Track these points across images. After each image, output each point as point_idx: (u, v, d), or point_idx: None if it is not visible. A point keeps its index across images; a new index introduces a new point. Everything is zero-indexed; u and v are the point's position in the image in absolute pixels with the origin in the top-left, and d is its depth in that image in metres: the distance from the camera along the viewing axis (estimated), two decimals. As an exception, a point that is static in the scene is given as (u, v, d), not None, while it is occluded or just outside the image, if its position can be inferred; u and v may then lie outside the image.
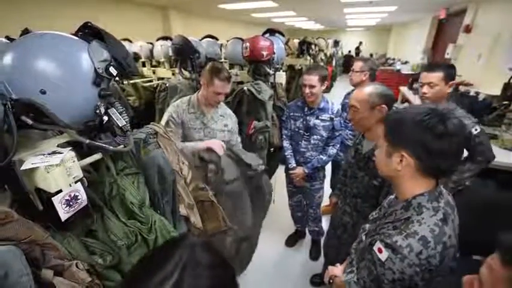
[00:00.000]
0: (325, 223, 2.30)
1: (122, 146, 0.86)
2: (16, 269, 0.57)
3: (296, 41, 4.13)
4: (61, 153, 0.68)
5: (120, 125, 0.85)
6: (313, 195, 2.06)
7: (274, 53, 2.22)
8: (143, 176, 0.99)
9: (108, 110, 0.82)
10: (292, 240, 2.42)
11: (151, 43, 3.40)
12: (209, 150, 1.44)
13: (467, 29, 4.68)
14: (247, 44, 2.14)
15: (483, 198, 1.52)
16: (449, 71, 1.53)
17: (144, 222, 0.92)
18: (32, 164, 0.62)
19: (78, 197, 0.71)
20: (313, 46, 3.90)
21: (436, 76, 1.52)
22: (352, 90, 2.30)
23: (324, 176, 2.07)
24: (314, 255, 2.25)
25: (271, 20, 9.20)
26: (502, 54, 3.64)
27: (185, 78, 2.41)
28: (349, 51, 13.02)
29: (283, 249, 2.36)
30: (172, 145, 1.18)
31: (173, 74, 2.89)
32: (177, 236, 1.00)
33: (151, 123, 1.17)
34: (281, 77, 2.51)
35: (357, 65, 2.13)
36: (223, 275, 0.40)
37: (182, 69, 2.48)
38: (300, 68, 3.70)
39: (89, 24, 0.79)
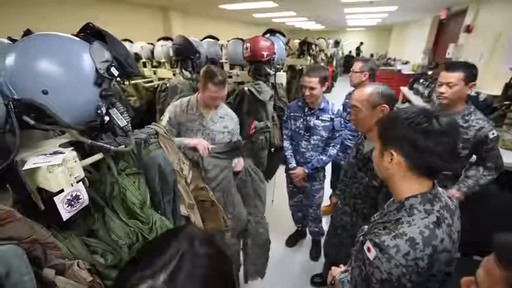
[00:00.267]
0: (325, 223, 2.30)
1: (123, 146, 0.87)
2: (18, 268, 0.57)
3: (296, 41, 4.14)
4: (63, 153, 0.68)
5: (121, 125, 0.86)
6: (313, 195, 2.07)
7: (274, 53, 2.22)
8: (144, 176, 0.99)
9: (110, 110, 0.82)
10: (293, 240, 2.42)
11: (152, 44, 3.41)
12: (194, 149, 1.47)
13: (468, 29, 4.68)
14: (248, 45, 2.14)
15: (483, 199, 1.52)
16: (471, 72, 1.45)
17: (145, 222, 0.92)
18: (34, 163, 0.63)
19: (80, 197, 0.72)
20: (313, 46, 3.91)
21: (456, 76, 1.44)
22: (353, 91, 2.31)
23: (324, 177, 2.07)
24: (314, 255, 2.25)
25: (271, 20, 9.21)
26: (502, 54, 3.64)
27: (186, 79, 2.42)
28: (350, 52, 13.02)
29: (284, 249, 2.37)
30: (173, 145, 1.18)
31: (174, 75, 2.90)
32: (177, 226, 1.01)
33: (152, 123, 1.17)
34: (281, 77, 2.51)
35: (357, 65, 2.11)
36: (221, 266, 0.40)
37: (183, 70, 2.49)
38: (300, 68, 3.70)
39: (90, 25, 0.80)
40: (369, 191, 1.27)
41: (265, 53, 2.11)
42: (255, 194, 1.73)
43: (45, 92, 0.67)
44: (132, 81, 2.60)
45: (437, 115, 0.70)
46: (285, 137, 2.04)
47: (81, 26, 0.80)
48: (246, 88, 2.11)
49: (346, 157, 2.24)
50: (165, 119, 1.61)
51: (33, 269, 0.61)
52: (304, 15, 8.45)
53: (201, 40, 2.93)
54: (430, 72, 5.36)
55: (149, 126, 1.14)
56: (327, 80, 1.77)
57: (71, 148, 0.72)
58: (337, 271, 1.04)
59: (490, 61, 3.90)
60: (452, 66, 1.49)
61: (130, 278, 0.36)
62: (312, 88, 1.71)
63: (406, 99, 4.84)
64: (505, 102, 2.53)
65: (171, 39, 3.16)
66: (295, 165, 1.98)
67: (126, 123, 0.87)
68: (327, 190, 2.30)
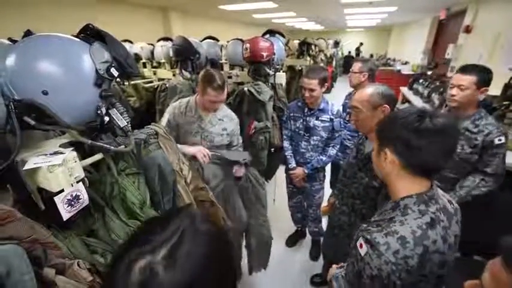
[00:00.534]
0: (325, 223, 2.30)
1: (123, 146, 0.87)
2: (18, 267, 0.58)
3: (296, 41, 4.15)
4: (63, 153, 0.69)
5: (121, 126, 0.86)
6: (313, 195, 2.07)
7: (274, 54, 2.23)
8: (144, 176, 0.99)
9: (109, 111, 0.83)
10: (293, 241, 2.42)
11: (152, 44, 3.42)
12: (194, 157, 1.45)
13: (468, 30, 4.69)
14: (247, 45, 2.15)
15: (483, 199, 1.52)
16: (484, 76, 1.40)
17: (145, 222, 0.92)
18: (35, 164, 0.63)
19: (80, 197, 0.72)
20: (313, 47, 3.91)
21: (468, 79, 1.40)
22: (353, 91, 2.31)
23: (324, 177, 2.08)
24: (314, 255, 2.25)
25: (271, 21, 9.22)
26: (502, 54, 3.65)
27: (185, 79, 2.42)
28: (349, 52, 13.03)
29: (284, 249, 2.37)
30: (172, 145, 1.18)
31: (174, 75, 2.90)
32: (178, 207, 1.01)
33: (152, 123, 1.18)
34: (281, 78, 2.52)
35: (356, 66, 2.11)
36: (222, 246, 0.40)
37: (182, 70, 2.49)
38: (300, 68, 3.71)
39: (90, 25, 0.80)
40: (368, 191, 1.27)
41: (264, 54, 2.12)
42: (256, 199, 1.73)
43: (45, 93, 0.67)
44: (132, 82, 2.61)
45: (432, 114, 0.70)
46: (284, 137, 2.04)
47: (81, 26, 0.81)
48: (245, 88, 2.11)
49: (345, 157, 2.25)
50: (164, 119, 1.61)
51: (34, 269, 0.61)
52: (304, 16, 8.46)
53: (201, 41, 2.94)
54: (429, 73, 5.37)
55: (149, 126, 1.14)
56: (327, 81, 1.77)
57: (71, 148, 0.72)
58: (334, 268, 1.05)
59: (489, 61, 3.91)
60: (466, 68, 1.44)
61: (130, 253, 0.35)
62: (311, 90, 1.71)
63: (405, 100, 4.85)
64: (504, 103, 2.53)
65: (171, 39, 3.16)
66: (295, 165, 1.99)
67: (126, 124, 0.87)
68: (327, 190, 2.30)
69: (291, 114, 1.94)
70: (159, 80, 3.00)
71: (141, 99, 2.68)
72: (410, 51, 8.67)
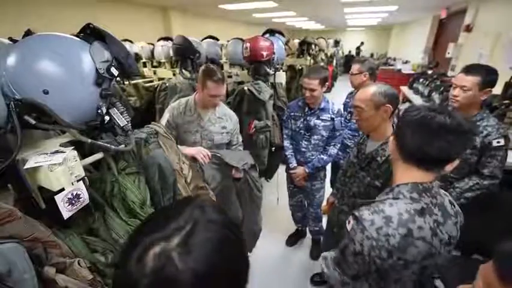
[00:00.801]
0: (325, 223, 2.31)
1: (123, 145, 0.87)
2: (19, 266, 0.58)
3: (296, 41, 4.15)
4: (63, 152, 0.69)
5: (121, 125, 0.86)
6: (313, 194, 2.07)
7: (274, 53, 2.23)
8: (144, 175, 1.00)
9: (110, 110, 0.83)
10: (293, 240, 2.42)
11: (152, 44, 3.42)
12: (193, 158, 1.44)
13: (468, 29, 4.68)
14: (248, 45, 2.15)
15: (483, 198, 1.51)
16: (488, 77, 1.37)
17: (145, 221, 0.93)
18: (35, 163, 0.63)
19: (80, 196, 0.72)
20: (313, 46, 3.91)
21: (471, 80, 1.37)
22: (353, 90, 2.31)
23: (325, 176, 2.08)
24: (315, 255, 2.25)
25: (271, 20, 9.21)
26: (502, 53, 3.64)
27: (185, 78, 2.43)
28: (350, 51, 13.01)
29: (284, 248, 2.37)
30: (173, 145, 1.19)
31: (174, 74, 2.91)
32: (188, 197, 1.01)
33: (152, 122, 1.18)
34: (281, 77, 2.52)
35: (354, 67, 2.09)
36: (232, 233, 0.41)
37: (183, 69, 2.49)
38: (300, 68, 3.71)
39: (90, 25, 0.80)
40: (370, 190, 1.27)
41: (264, 53, 2.12)
42: (253, 201, 1.73)
43: (45, 92, 0.67)
44: (132, 81, 2.61)
45: (438, 112, 0.71)
46: (285, 136, 2.04)
47: (81, 26, 0.81)
48: (245, 88, 2.11)
49: (345, 156, 2.25)
50: (164, 119, 1.62)
51: (34, 267, 0.61)
52: (304, 15, 8.45)
53: (201, 40, 2.94)
54: (430, 72, 5.36)
55: (149, 125, 1.15)
56: (327, 81, 1.77)
57: (72, 147, 0.73)
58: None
59: (490, 60, 3.90)
60: (471, 69, 1.41)
61: (143, 240, 0.35)
62: (312, 90, 1.71)
63: (406, 99, 4.84)
64: (505, 102, 2.53)
65: (171, 39, 3.16)
66: (295, 164, 1.99)
67: (126, 123, 0.88)
68: (328, 189, 2.30)
69: (292, 114, 1.94)
70: (159, 79, 3.01)
71: (141, 99, 2.68)
72: (411, 51, 8.65)
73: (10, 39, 1.03)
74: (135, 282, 0.33)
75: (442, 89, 3.68)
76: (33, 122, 0.68)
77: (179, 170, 1.16)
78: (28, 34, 0.77)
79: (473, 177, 1.49)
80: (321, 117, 1.82)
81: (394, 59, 9.81)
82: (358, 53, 12.98)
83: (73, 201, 0.71)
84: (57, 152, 0.69)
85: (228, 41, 2.81)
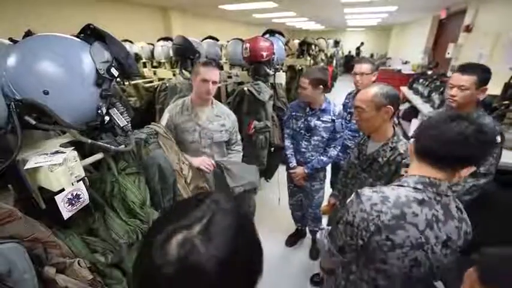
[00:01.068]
0: (325, 223, 2.30)
1: (123, 145, 0.87)
2: (20, 265, 0.58)
3: (296, 41, 4.15)
4: (63, 152, 0.69)
5: (121, 125, 0.86)
6: (313, 195, 2.07)
7: (274, 54, 2.23)
8: (144, 176, 1.00)
9: (110, 110, 0.83)
10: (293, 240, 2.42)
11: (152, 44, 3.42)
12: (198, 169, 1.44)
13: (468, 29, 4.68)
14: (247, 45, 2.15)
15: (482, 198, 1.52)
16: (484, 76, 1.40)
17: (145, 221, 0.93)
18: (36, 163, 0.64)
19: (80, 196, 0.72)
20: (313, 46, 3.91)
21: (469, 79, 1.39)
22: (353, 90, 2.30)
23: (325, 177, 2.07)
24: (314, 254, 2.26)
25: (271, 21, 9.22)
26: (502, 54, 3.65)
27: (185, 79, 2.43)
28: (350, 52, 13.01)
29: (284, 248, 2.37)
30: (172, 145, 1.19)
31: (174, 75, 2.91)
32: (200, 193, 1.03)
33: (152, 123, 1.18)
34: (281, 78, 2.52)
35: (366, 67, 2.01)
36: (246, 221, 0.43)
37: (183, 70, 2.49)
38: (300, 68, 3.71)
39: (91, 26, 0.80)
40: None
41: (264, 53, 2.12)
42: None
43: (46, 93, 0.68)
44: (132, 82, 2.61)
45: (458, 117, 0.73)
46: (286, 136, 2.04)
47: (81, 26, 0.81)
48: (245, 88, 2.12)
49: (346, 157, 2.25)
50: (164, 119, 1.62)
51: (35, 267, 0.61)
52: (304, 16, 8.46)
53: (201, 41, 2.94)
54: (429, 72, 5.36)
55: (149, 126, 1.15)
56: (322, 83, 1.73)
57: (72, 148, 0.73)
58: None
59: (490, 61, 3.90)
60: (466, 68, 1.43)
61: (165, 228, 0.36)
62: (302, 88, 1.74)
63: (406, 99, 4.85)
64: (504, 102, 2.53)
65: (171, 39, 3.17)
66: (295, 164, 1.99)
67: (126, 123, 0.88)
68: (327, 190, 2.30)
69: (293, 113, 1.94)
70: (159, 79, 3.01)
71: (141, 99, 2.68)
72: (411, 51, 8.65)
73: (10, 39, 1.03)
74: (159, 270, 0.34)
75: (442, 89, 3.68)
76: (33, 122, 0.68)
77: (179, 170, 1.17)
78: (28, 35, 0.77)
79: (468, 180, 1.48)
80: (321, 118, 1.82)
81: (389, 58, 9.76)
82: (358, 54, 12.97)
83: (73, 202, 0.71)
84: (57, 152, 0.69)
85: (228, 42, 2.81)
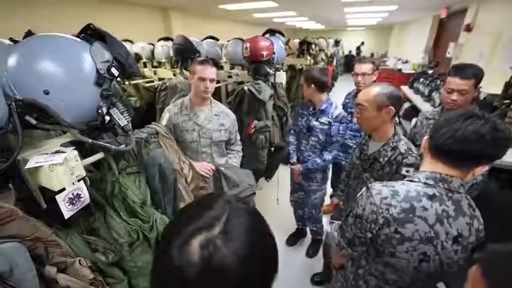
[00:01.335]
0: (325, 223, 2.30)
1: (124, 145, 0.88)
2: (21, 265, 0.58)
3: (296, 41, 4.14)
4: (64, 152, 0.69)
5: (122, 125, 0.87)
6: (309, 195, 2.07)
7: (274, 53, 2.23)
8: (145, 175, 1.00)
9: (110, 110, 0.83)
10: (293, 240, 2.42)
11: (152, 44, 3.42)
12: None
13: (468, 28, 4.67)
14: (248, 45, 2.15)
15: (482, 197, 1.51)
16: (480, 76, 1.43)
17: (146, 221, 0.93)
18: (36, 162, 0.64)
19: (81, 196, 0.73)
20: (313, 46, 3.91)
21: (468, 83, 1.42)
22: (353, 90, 2.30)
23: (324, 179, 2.03)
24: (311, 253, 2.26)
25: (272, 20, 9.21)
26: (502, 53, 3.64)
27: (186, 78, 2.43)
28: (350, 51, 13.00)
29: (284, 248, 2.37)
30: (173, 144, 1.19)
31: (174, 75, 2.91)
32: (211, 193, 1.03)
33: (153, 123, 1.18)
34: (281, 77, 2.51)
35: (367, 67, 2.01)
36: (260, 218, 0.43)
37: (183, 69, 2.49)
38: (300, 67, 3.71)
39: (91, 25, 0.81)
40: None
41: (264, 53, 2.12)
42: None
43: (46, 92, 0.68)
44: (133, 82, 2.61)
45: (475, 115, 0.73)
46: (292, 132, 2.05)
47: (82, 26, 0.81)
48: (245, 88, 2.11)
49: (347, 157, 2.25)
50: (164, 119, 1.62)
51: (36, 267, 0.62)
52: (305, 15, 8.45)
53: (202, 40, 2.94)
54: (430, 71, 5.36)
55: (149, 125, 1.15)
56: (314, 82, 1.73)
57: (72, 147, 0.73)
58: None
59: (490, 60, 3.90)
60: (463, 72, 1.43)
61: (184, 230, 0.36)
62: (301, 86, 1.78)
63: (406, 98, 4.84)
64: (505, 101, 2.52)
65: (171, 39, 3.16)
66: (295, 161, 2.00)
67: (127, 123, 0.88)
68: (328, 190, 2.29)
69: (300, 111, 1.96)
70: (160, 79, 3.00)
71: (141, 99, 2.68)
72: (411, 50, 8.64)
73: (11, 39, 1.03)
74: (181, 272, 0.34)
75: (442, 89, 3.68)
76: (34, 122, 0.68)
77: (179, 169, 1.17)
78: (29, 35, 0.77)
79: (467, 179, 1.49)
80: (319, 119, 1.81)
81: (384, 56, 9.72)
82: (358, 53, 12.96)
83: (74, 201, 0.71)
84: (58, 152, 0.69)
85: (228, 41, 2.81)
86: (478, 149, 0.70)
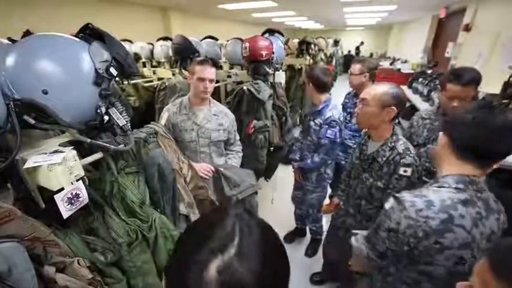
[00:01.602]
0: (325, 223, 2.30)
1: (122, 145, 0.87)
2: (19, 264, 0.58)
3: (296, 40, 4.15)
4: (63, 152, 0.69)
5: (121, 125, 0.86)
6: (305, 194, 2.08)
7: (273, 53, 2.23)
8: (143, 175, 1.00)
9: (109, 110, 0.83)
10: (291, 237, 2.43)
11: (151, 44, 3.42)
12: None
13: (467, 28, 4.68)
14: (247, 44, 2.15)
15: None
16: (479, 79, 1.43)
17: (145, 221, 0.93)
18: (35, 162, 0.64)
19: (80, 195, 0.72)
20: (312, 46, 3.91)
21: (471, 89, 1.42)
22: (353, 90, 2.31)
23: (320, 180, 1.99)
24: (310, 253, 2.26)
25: (271, 20, 9.21)
26: (501, 52, 3.65)
27: (185, 78, 2.42)
28: (349, 51, 13.00)
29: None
30: (172, 144, 1.19)
31: (173, 74, 2.90)
32: (222, 207, 1.03)
33: (152, 122, 1.18)
34: (280, 77, 2.51)
35: (355, 68, 2.08)
36: (271, 232, 0.43)
37: (182, 69, 2.49)
38: (299, 67, 3.71)
39: (90, 25, 0.80)
40: (373, 191, 1.27)
41: (264, 53, 2.12)
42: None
43: (45, 92, 0.68)
44: (132, 81, 2.61)
45: (491, 106, 0.74)
46: (300, 129, 2.08)
47: (80, 25, 0.81)
48: (244, 87, 2.11)
49: (346, 157, 2.25)
50: (163, 119, 1.62)
51: (34, 266, 0.62)
52: (304, 15, 8.45)
53: (201, 40, 2.94)
54: (429, 71, 5.37)
55: (148, 125, 1.15)
56: (312, 80, 1.74)
57: (71, 147, 0.73)
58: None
59: (489, 59, 3.91)
60: (464, 79, 1.41)
61: (198, 253, 0.35)
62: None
63: (405, 98, 4.86)
64: (504, 101, 2.53)
65: (170, 39, 3.16)
66: (296, 158, 2.01)
67: (126, 123, 0.88)
68: (327, 191, 2.29)
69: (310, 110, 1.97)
70: (159, 79, 3.00)
71: (140, 99, 2.68)
72: (410, 50, 8.65)
73: (9, 39, 1.03)
74: None
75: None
76: (32, 121, 0.68)
77: (178, 169, 1.17)
78: (27, 34, 0.77)
79: None
80: (315, 120, 1.80)
81: (384, 56, 9.74)
82: (357, 53, 12.96)
83: (72, 201, 0.71)
84: (56, 151, 0.69)
85: (228, 41, 2.81)
86: (506, 143, 0.70)
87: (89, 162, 0.81)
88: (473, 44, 4.50)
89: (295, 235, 2.44)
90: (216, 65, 1.67)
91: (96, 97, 0.78)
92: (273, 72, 2.32)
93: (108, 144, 0.82)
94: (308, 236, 2.39)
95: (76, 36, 0.79)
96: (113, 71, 0.79)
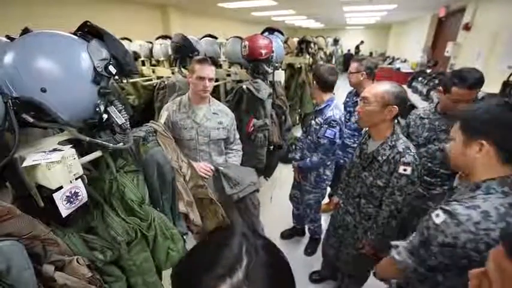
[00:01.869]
0: (324, 222, 2.31)
1: (122, 143, 0.87)
2: (18, 263, 0.58)
3: (295, 39, 4.14)
4: (62, 150, 0.69)
5: (120, 123, 0.86)
6: (303, 194, 2.08)
7: (273, 52, 2.22)
8: (143, 174, 1.00)
9: (108, 108, 0.83)
10: (288, 234, 2.44)
11: (150, 42, 3.41)
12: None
13: (467, 27, 4.68)
14: (246, 43, 2.14)
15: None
16: (483, 80, 1.42)
17: (144, 219, 0.93)
18: (33, 160, 0.63)
19: (79, 194, 0.72)
20: (312, 45, 3.90)
21: (475, 92, 1.42)
22: (353, 90, 2.31)
23: (318, 182, 1.98)
24: (309, 251, 2.27)
25: (271, 19, 9.19)
26: (501, 52, 3.65)
27: (184, 77, 2.42)
28: (349, 50, 12.99)
29: (282, 247, 2.37)
30: (171, 143, 1.19)
31: (173, 73, 2.90)
32: (227, 225, 1.01)
33: (151, 121, 1.18)
34: (280, 76, 2.51)
35: (352, 66, 2.12)
36: (276, 251, 0.42)
37: (181, 68, 2.49)
38: (299, 66, 3.71)
39: (88, 23, 0.80)
40: (373, 190, 1.27)
41: (263, 51, 2.12)
42: (248, 217, 1.72)
43: (43, 90, 0.67)
44: (131, 80, 2.60)
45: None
46: (304, 129, 2.06)
47: (79, 24, 0.81)
48: (244, 86, 2.11)
49: (346, 156, 2.25)
50: (162, 118, 1.61)
51: (33, 265, 0.61)
52: (304, 14, 8.43)
53: (200, 39, 2.93)
54: (428, 71, 5.37)
55: (147, 124, 1.15)
56: (316, 78, 1.76)
57: (70, 145, 0.73)
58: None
59: (488, 59, 3.91)
60: (469, 83, 1.39)
61: (205, 278, 0.34)
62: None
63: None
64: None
65: (169, 37, 3.15)
66: (296, 157, 2.00)
67: (125, 121, 0.88)
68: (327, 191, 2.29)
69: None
70: (158, 77, 2.99)
71: (140, 97, 2.67)
72: (410, 49, 8.65)
73: (7, 37, 1.02)
74: None
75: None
76: (31, 120, 0.68)
77: (178, 168, 1.17)
78: (25, 32, 0.76)
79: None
80: (316, 119, 1.81)
81: (393, 58, 9.80)
82: (357, 52, 12.95)
83: (71, 199, 0.71)
84: (55, 150, 0.69)
85: (227, 40, 2.80)
86: None
87: (88, 160, 0.81)
88: (472, 43, 4.50)
89: (292, 231, 2.45)
90: (216, 63, 1.67)
91: (94, 95, 0.78)
92: (272, 71, 2.32)
93: (107, 143, 0.82)
94: (307, 234, 2.40)
95: (75, 34, 0.78)
96: (111, 69, 0.79)
